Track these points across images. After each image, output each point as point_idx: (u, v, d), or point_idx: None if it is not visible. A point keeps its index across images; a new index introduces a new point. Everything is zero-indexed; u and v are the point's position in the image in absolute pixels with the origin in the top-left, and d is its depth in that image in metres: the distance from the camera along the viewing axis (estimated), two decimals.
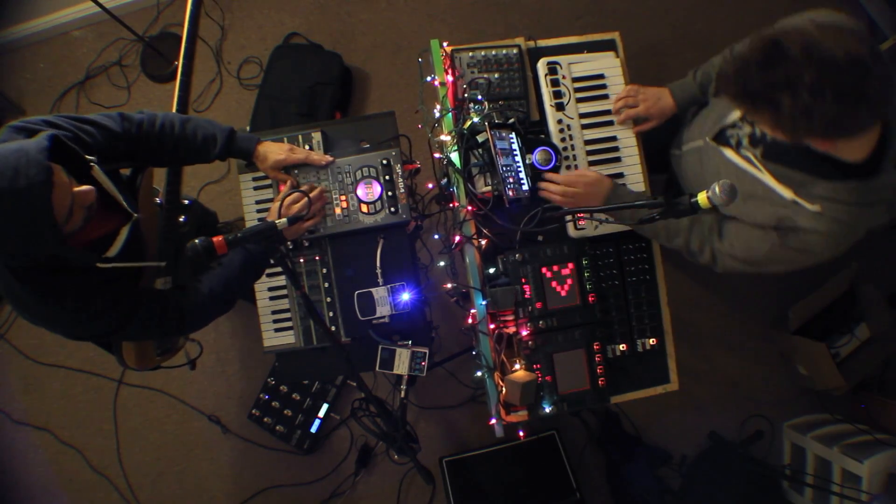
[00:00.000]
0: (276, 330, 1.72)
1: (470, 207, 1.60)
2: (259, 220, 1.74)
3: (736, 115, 1.41)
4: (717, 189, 1.16)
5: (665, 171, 1.87)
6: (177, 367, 1.87)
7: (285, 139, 1.69)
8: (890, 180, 1.16)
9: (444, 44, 1.68)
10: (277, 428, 2.53)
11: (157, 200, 1.68)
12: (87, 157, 1.21)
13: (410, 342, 1.66)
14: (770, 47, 1.00)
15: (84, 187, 1.14)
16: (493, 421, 1.60)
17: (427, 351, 1.64)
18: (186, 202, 1.79)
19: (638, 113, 1.65)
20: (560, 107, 1.68)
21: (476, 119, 1.61)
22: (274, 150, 1.56)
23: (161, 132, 1.43)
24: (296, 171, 1.63)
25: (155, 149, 1.44)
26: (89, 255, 1.21)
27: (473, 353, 1.78)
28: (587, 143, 1.68)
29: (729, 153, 1.41)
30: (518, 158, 1.56)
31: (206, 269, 1.49)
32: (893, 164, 1.15)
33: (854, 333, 2.50)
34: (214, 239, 1.23)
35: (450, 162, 1.62)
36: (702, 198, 1.18)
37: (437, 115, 1.68)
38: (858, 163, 1.14)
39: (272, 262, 1.65)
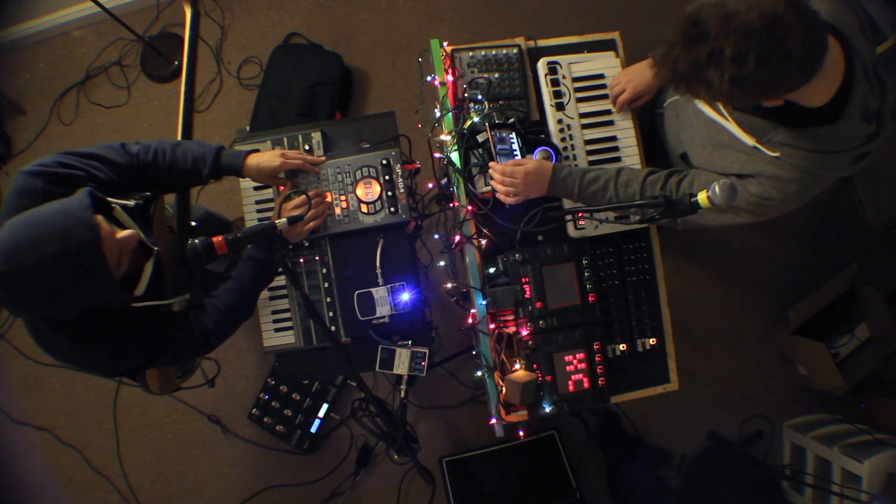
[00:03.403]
0: (276, 330, 1.72)
1: (470, 207, 1.60)
2: (259, 220, 1.74)
3: None
4: (716, 189, 1.16)
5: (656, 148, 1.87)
6: (197, 387, 1.90)
7: (285, 139, 1.69)
8: (853, 129, 1.15)
9: (444, 44, 1.68)
10: (277, 428, 2.53)
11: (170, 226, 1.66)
12: (110, 200, 1.22)
13: (410, 342, 1.67)
14: (689, 27, 1.00)
15: (126, 232, 1.15)
16: (493, 421, 1.60)
17: (427, 351, 1.64)
18: (194, 224, 1.78)
19: (627, 97, 1.64)
20: (560, 107, 1.68)
21: (476, 119, 1.61)
22: (266, 160, 1.53)
23: (154, 160, 1.43)
24: (298, 176, 1.63)
25: (152, 177, 1.44)
26: (128, 296, 1.22)
27: (473, 353, 1.78)
28: (587, 142, 1.69)
29: (701, 105, 1.41)
30: (518, 158, 1.56)
31: (220, 284, 1.49)
32: (860, 113, 1.13)
33: (854, 333, 2.50)
34: (214, 239, 1.23)
35: (450, 162, 1.62)
36: (702, 197, 1.19)
37: (437, 114, 1.68)
38: (820, 108, 1.13)
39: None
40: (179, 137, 1.70)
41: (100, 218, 1.10)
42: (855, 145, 1.18)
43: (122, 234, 1.14)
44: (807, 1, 1.05)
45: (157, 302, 1.29)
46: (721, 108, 1.34)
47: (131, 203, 1.30)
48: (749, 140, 1.27)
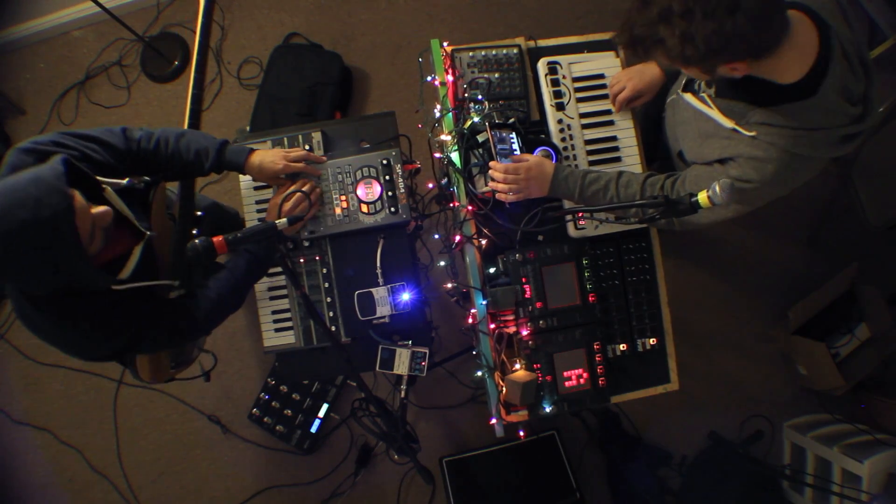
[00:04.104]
0: (277, 330, 1.72)
1: (470, 207, 1.60)
2: (259, 220, 1.74)
3: None
4: (717, 188, 1.16)
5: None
6: (192, 378, 1.87)
7: (285, 139, 1.69)
8: (830, 106, 1.15)
9: (445, 44, 1.68)
10: (277, 428, 2.53)
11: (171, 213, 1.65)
12: (99, 178, 1.21)
13: (410, 342, 1.66)
14: None
15: (101, 208, 1.13)
16: (494, 421, 1.60)
17: (427, 351, 1.64)
18: (200, 213, 1.78)
19: (627, 96, 1.64)
20: (560, 107, 1.68)
21: (476, 119, 1.61)
22: (269, 161, 1.53)
23: (156, 149, 1.43)
24: (300, 178, 1.63)
25: (152, 165, 1.44)
26: (107, 277, 1.20)
27: (473, 353, 1.78)
28: (587, 142, 1.69)
29: (689, 97, 1.42)
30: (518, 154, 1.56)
31: (213, 273, 1.49)
32: (839, 92, 1.14)
33: (854, 333, 2.50)
34: (214, 239, 1.23)
35: (450, 162, 1.62)
36: (702, 197, 1.19)
37: (438, 114, 1.68)
38: (795, 85, 1.14)
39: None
40: (187, 118, 1.68)
41: (75, 191, 1.08)
42: (835, 124, 1.17)
43: (96, 209, 1.12)
44: None
45: (137, 284, 1.25)
46: (706, 98, 1.35)
47: (124, 181, 1.28)
48: (728, 123, 1.28)
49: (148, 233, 1.30)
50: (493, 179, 1.52)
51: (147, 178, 1.42)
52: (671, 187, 1.45)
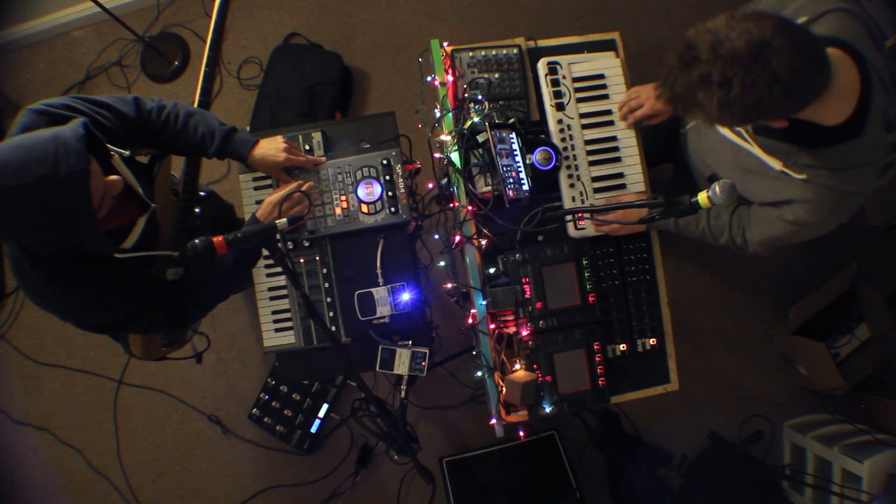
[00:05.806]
0: (277, 330, 1.72)
1: (470, 207, 1.60)
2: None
3: None
4: (717, 189, 1.16)
5: (673, 156, 1.88)
6: (183, 359, 1.86)
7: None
8: (876, 140, 1.15)
9: (444, 44, 1.68)
10: (277, 428, 2.53)
11: (175, 189, 1.67)
12: (109, 146, 1.21)
13: (410, 342, 1.66)
14: (685, 51, 1.04)
15: (113, 177, 1.14)
16: (494, 421, 1.60)
17: (427, 351, 1.64)
18: (203, 194, 1.78)
19: (644, 113, 1.65)
20: (560, 107, 1.68)
21: (476, 119, 1.61)
22: (272, 154, 1.55)
23: (165, 122, 1.44)
24: (296, 171, 1.64)
25: (158, 138, 1.45)
26: (111, 244, 1.21)
27: (473, 353, 1.78)
28: (587, 143, 1.68)
29: (724, 131, 1.42)
30: (518, 158, 1.56)
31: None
32: (883, 124, 1.14)
33: (854, 333, 2.50)
34: (215, 239, 1.23)
35: (450, 162, 1.62)
36: (702, 197, 1.19)
37: (438, 115, 1.68)
38: (840, 125, 1.14)
39: (272, 262, 1.66)
40: (199, 89, 1.69)
41: (91, 157, 1.09)
42: (880, 157, 1.18)
43: (109, 178, 1.13)
44: (801, 24, 1.06)
45: (140, 254, 1.26)
46: (744, 133, 1.35)
47: (126, 152, 1.28)
48: (776, 164, 1.28)
49: (153, 204, 1.31)
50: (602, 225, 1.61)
51: (154, 152, 1.43)
52: (737, 226, 1.53)
